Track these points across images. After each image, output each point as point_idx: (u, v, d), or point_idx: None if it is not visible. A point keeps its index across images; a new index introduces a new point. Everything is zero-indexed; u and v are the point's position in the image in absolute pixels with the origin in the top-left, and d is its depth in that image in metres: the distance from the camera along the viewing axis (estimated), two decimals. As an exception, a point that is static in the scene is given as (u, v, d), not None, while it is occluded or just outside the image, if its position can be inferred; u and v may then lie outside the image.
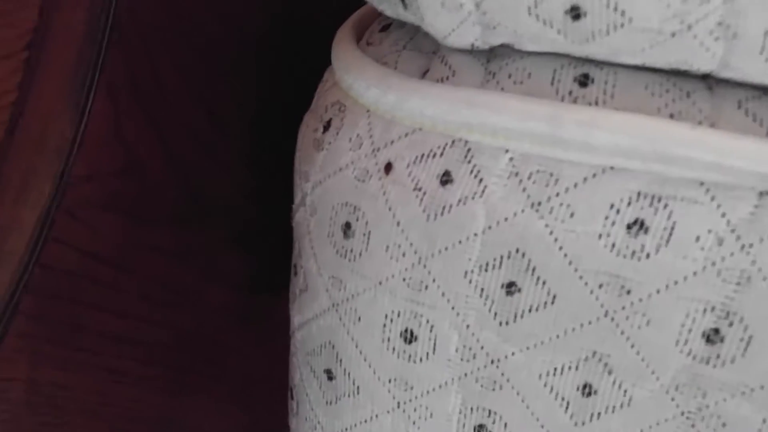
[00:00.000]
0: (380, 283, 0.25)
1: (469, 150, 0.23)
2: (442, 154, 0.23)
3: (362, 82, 0.25)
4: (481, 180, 0.23)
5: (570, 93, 0.22)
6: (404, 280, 0.24)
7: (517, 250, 0.22)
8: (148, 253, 0.32)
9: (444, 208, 0.23)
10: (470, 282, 0.23)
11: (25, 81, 0.26)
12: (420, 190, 0.24)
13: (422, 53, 0.26)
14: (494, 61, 0.24)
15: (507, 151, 0.22)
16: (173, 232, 0.33)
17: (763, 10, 0.19)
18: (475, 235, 0.23)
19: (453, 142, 0.23)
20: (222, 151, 0.35)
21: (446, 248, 0.23)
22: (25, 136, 0.26)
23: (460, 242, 0.23)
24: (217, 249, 0.36)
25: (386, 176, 0.24)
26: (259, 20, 0.36)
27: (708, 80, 0.21)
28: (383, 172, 0.24)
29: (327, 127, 0.26)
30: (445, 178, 0.23)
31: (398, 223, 0.24)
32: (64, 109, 0.27)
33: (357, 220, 0.25)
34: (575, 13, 0.20)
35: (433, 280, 0.24)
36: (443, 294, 0.24)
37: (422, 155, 0.24)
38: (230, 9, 0.34)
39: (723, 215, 0.20)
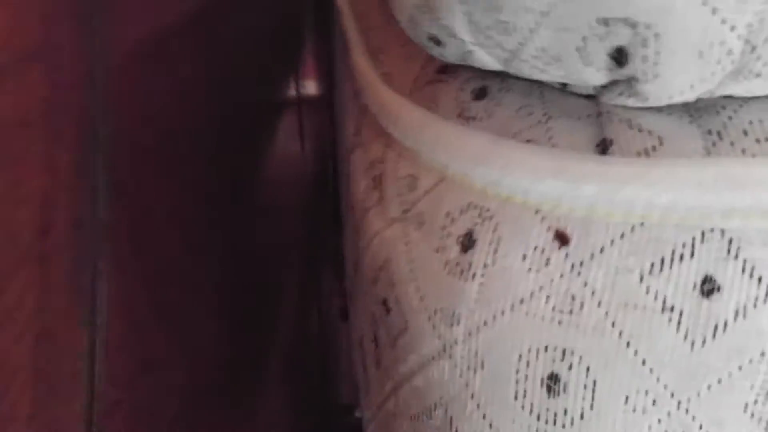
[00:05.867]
0: (625, 450, 0.17)
1: (730, 241, 0.17)
2: (692, 255, 0.17)
3: (522, 174, 0.18)
4: (760, 279, 0.17)
5: None
6: (663, 438, 0.17)
7: (827, 365, 0.17)
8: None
9: (716, 327, 0.17)
10: (752, 416, 0.17)
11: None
12: (672, 309, 0.17)
13: (580, 120, 0.19)
14: (706, 117, 0.18)
15: (789, 234, 0.16)
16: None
17: None
18: (762, 355, 0.17)
19: (703, 234, 0.17)
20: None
21: (719, 381, 0.17)
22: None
23: (740, 368, 0.17)
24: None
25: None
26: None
27: None
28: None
29: (468, 243, 0.18)
30: (708, 286, 0.17)
31: (643, 362, 0.17)
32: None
33: (570, 368, 0.17)
34: None
35: (700, 427, 0.17)
36: (718, 442, 0.17)
37: (661, 261, 0.17)
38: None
39: None
